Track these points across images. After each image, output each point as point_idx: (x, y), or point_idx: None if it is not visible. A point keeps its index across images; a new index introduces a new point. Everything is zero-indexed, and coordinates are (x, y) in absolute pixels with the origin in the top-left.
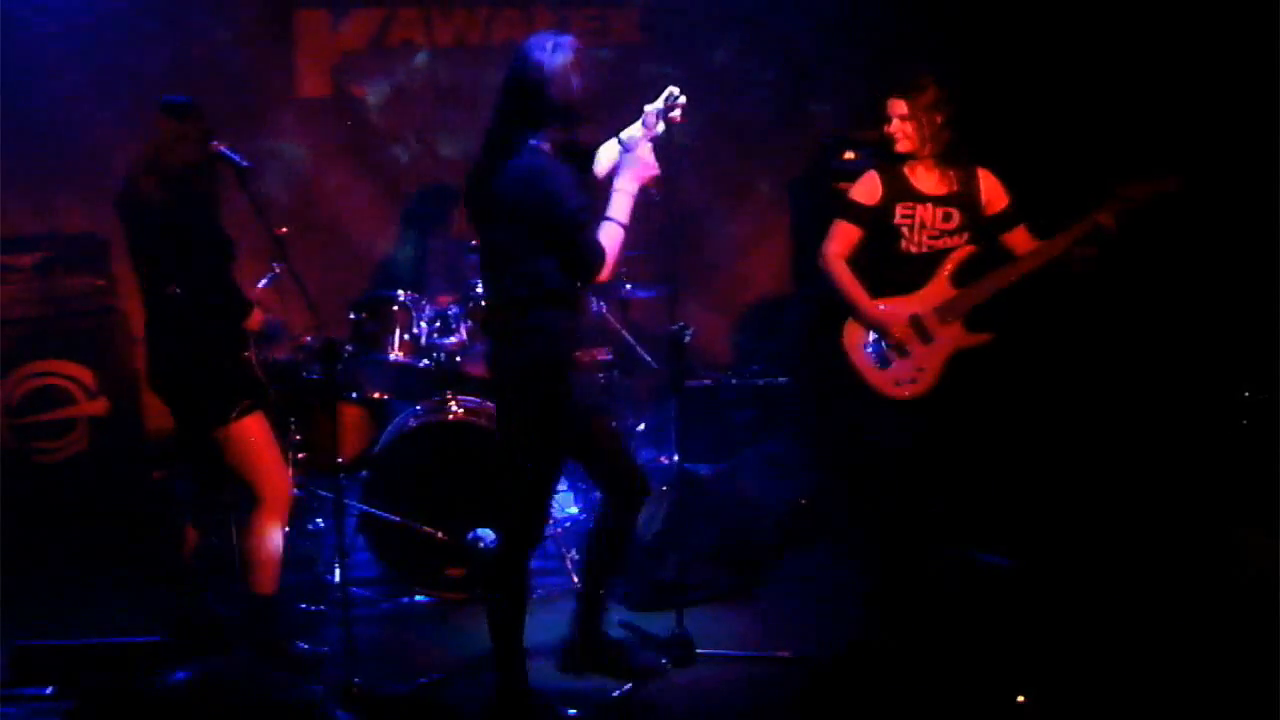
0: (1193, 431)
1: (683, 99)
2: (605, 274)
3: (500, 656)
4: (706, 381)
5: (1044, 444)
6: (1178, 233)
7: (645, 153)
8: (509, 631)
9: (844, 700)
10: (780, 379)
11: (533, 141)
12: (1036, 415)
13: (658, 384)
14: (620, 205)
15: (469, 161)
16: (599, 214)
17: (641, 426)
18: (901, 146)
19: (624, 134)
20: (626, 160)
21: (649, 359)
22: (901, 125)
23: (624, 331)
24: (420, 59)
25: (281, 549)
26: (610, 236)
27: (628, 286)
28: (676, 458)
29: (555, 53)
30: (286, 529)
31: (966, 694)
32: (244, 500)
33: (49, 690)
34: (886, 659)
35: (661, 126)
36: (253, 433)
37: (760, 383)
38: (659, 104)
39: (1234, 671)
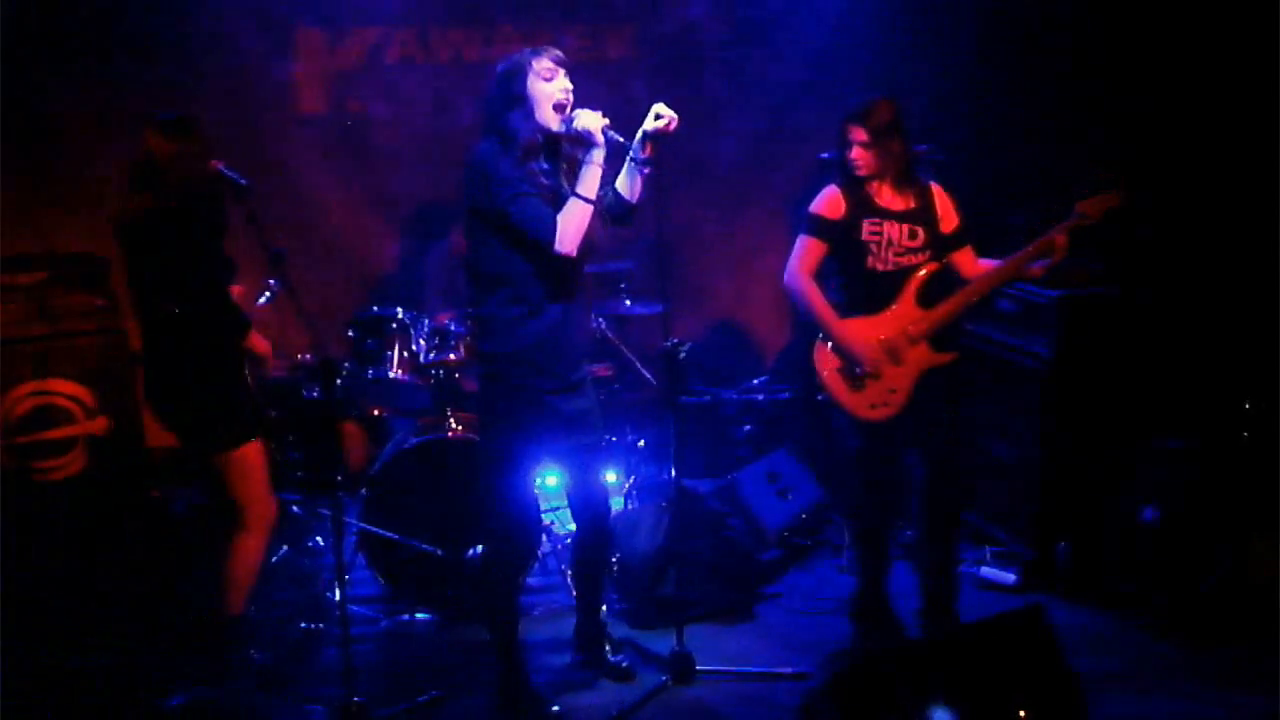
0: (1195, 443)
1: (670, 115)
2: (565, 246)
3: (502, 661)
4: (705, 397)
5: (1043, 454)
6: (1178, 242)
7: (584, 119)
8: (509, 638)
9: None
10: (780, 394)
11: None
12: (1035, 425)
13: (658, 400)
14: (583, 178)
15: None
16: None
17: (641, 443)
18: (863, 172)
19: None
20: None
21: (648, 375)
22: (863, 152)
23: (623, 348)
24: (418, 75)
25: (258, 572)
26: (570, 210)
27: (627, 303)
28: (674, 473)
29: (508, 63)
30: (272, 554)
31: (967, 710)
32: (229, 520)
33: None
34: (886, 674)
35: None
36: (251, 457)
37: (759, 398)
38: (648, 123)
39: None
